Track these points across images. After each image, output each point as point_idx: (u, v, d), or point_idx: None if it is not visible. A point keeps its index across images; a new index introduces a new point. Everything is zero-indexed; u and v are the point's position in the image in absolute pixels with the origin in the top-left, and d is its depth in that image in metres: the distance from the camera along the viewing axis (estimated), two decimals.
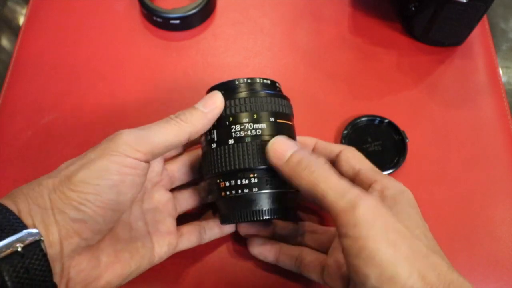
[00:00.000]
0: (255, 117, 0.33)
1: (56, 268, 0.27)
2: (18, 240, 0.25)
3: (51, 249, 0.27)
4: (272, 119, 0.33)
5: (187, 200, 0.39)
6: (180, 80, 0.49)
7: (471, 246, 0.41)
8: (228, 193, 0.33)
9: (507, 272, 0.40)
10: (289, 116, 0.35)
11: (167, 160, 0.39)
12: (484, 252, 0.41)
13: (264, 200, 0.33)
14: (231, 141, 0.33)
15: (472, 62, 0.50)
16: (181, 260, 0.39)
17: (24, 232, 0.26)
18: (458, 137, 0.46)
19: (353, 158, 0.35)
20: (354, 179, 0.34)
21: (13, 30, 0.59)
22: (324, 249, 0.36)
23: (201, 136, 0.35)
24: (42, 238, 0.26)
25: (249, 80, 0.34)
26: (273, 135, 0.33)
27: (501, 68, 0.54)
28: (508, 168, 0.45)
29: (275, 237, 0.39)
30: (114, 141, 0.29)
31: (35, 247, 0.26)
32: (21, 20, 0.59)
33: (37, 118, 0.46)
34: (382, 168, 0.44)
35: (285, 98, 0.36)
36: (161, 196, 0.37)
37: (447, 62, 0.50)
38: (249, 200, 0.33)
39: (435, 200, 0.43)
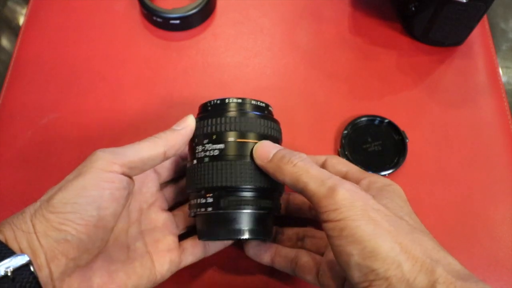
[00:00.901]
0: (237, 135, 0.33)
1: None
2: (6, 265, 0.26)
3: (41, 273, 0.27)
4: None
5: (186, 219, 0.38)
6: (180, 80, 0.49)
7: (471, 246, 0.41)
8: (209, 209, 0.33)
9: (507, 272, 0.40)
10: (278, 139, 0.36)
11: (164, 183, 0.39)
12: (484, 252, 0.41)
13: (243, 220, 0.33)
14: (206, 160, 0.33)
15: (472, 62, 0.50)
16: None
17: (12, 257, 0.26)
18: (458, 137, 0.46)
19: (339, 164, 0.36)
20: None
21: (13, 30, 0.59)
22: (321, 253, 0.37)
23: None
24: (30, 260, 0.26)
25: (239, 101, 0.35)
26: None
27: (501, 68, 0.54)
28: (508, 168, 0.45)
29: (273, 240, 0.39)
30: (89, 159, 0.30)
31: (25, 271, 0.26)
32: (21, 20, 0.59)
33: (37, 118, 0.46)
34: (382, 168, 0.44)
35: (275, 121, 0.36)
36: (158, 216, 0.37)
37: (447, 62, 0.50)
38: (228, 219, 0.33)
39: (435, 200, 0.43)
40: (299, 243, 0.38)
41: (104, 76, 0.49)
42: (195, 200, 0.34)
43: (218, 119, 0.34)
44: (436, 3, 0.45)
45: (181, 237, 0.38)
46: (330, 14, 0.53)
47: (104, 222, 0.29)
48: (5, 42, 0.58)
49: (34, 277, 0.26)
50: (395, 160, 0.44)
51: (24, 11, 0.59)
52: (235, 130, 0.33)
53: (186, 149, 0.36)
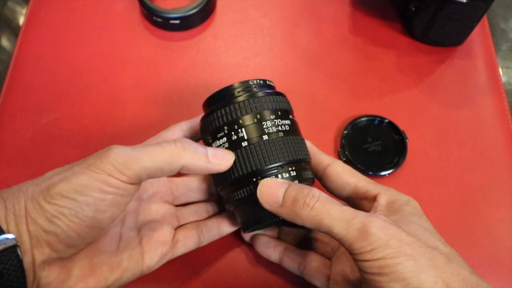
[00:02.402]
0: (258, 117, 0.32)
1: (29, 277, 0.27)
2: None
3: (25, 257, 0.26)
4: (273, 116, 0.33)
5: (192, 215, 0.38)
6: (180, 80, 0.49)
7: (471, 246, 0.41)
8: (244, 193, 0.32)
9: (507, 272, 0.40)
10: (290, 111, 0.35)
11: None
12: (484, 252, 0.41)
13: None
14: (244, 143, 0.32)
15: (472, 62, 0.50)
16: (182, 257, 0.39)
17: (1, 236, 0.25)
18: (458, 137, 0.46)
19: (343, 173, 0.34)
20: (353, 194, 0.34)
21: (13, 30, 0.59)
22: (329, 255, 0.36)
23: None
24: (18, 244, 0.26)
25: (243, 83, 0.34)
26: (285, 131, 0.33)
27: (501, 68, 0.54)
28: (508, 168, 0.45)
29: (281, 238, 0.39)
30: (101, 159, 0.28)
31: (11, 253, 0.25)
32: (21, 20, 0.59)
33: (37, 118, 0.46)
34: (382, 168, 0.44)
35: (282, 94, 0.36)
36: (159, 208, 0.36)
37: (447, 62, 0.50)
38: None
39: (435, 200, 0.43)
40: (307, 244, 0.38)
41: (104, 76, 0.49)
42: (234, 193, 0.33)
43: (228, 107, 0.33)
44: (436, 3, 0.45)
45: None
46: (330, 14, 0.53)
47: (99, 224, 0.29)
48: (5, 42, 0.58)
49: (19, 260, 0.26)
50: (395, 160, 0.44)
51: (24, 11, 0.59)
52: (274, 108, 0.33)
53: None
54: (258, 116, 0.32)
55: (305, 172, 0.33)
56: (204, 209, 0.38)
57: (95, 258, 0.31)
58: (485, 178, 0.44)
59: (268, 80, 0.35)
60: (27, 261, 0.27)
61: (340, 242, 0.28)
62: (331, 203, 0.29)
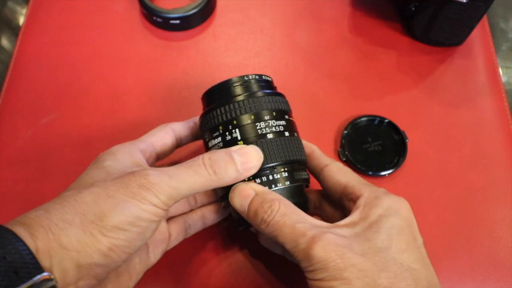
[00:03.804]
0: (253, 118, 0.33)
1: None
2: (31, 287, 0.24)
3: None
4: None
5: (176, 205, 0.38)
6: (180, 80, 0.49)
7: (471, 246, 0.41)
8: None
9: (507, 272, 0.40)
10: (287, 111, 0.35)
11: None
12: (484, 252, 0.41)
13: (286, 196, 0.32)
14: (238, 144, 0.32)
15: (472, 62, 0.50)
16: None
17: (39, 277, 0.24)
18: (458, 137, 0.46)
19: (338, 172, 0.34)
20: (342, 195, 0.34)
21: (13, 30, 0.59)
22: None
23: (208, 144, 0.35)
24: (56, 284, 0.24)
25: (245, 79, 0.34)
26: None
27: (501, 68, 0.54)
28: (508, 168, 0.45)
29: None
30: (145, 189, 0.28)
31: None
32: (21, 20, 0.59)
33: (37, 118, 0.46)
34: (382, 168, 0.44)
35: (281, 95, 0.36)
36: None
37: (447, 62, 0.50)
38: None
39: (435, 200, 0.43)
40: None
41: (104, 76, 0.49)
42: (229, 191, 0.33)
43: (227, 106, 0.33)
44: (436, 3, 0.45)
45: None
46: (330, 14, 0.53)
47: (137, 248, 0.29)
48: (5, 42, 0.58)
49: None
50: (395, 160, 0.44)
51: (24, 11, 0.59)
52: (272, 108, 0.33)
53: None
54: (253, 117, 0.33)
55: (298, 173, 0.33)
56: (186, 200, 0.39)
57: (119, 268, 0.31)
58: (485, 178, 0.44)
59: (265, 75, 0.35)
60: None
61: (293, 257, 0.29)
62: (286, 219, 0.29)
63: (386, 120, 0.46)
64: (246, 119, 0.32)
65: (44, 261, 0.24)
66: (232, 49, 0.51)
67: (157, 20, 0.50)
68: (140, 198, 0.28)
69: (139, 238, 0.28)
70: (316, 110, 0.47)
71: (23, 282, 0.23)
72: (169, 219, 0.37)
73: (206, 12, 0.51)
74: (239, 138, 0.32)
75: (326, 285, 0.27)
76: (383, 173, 0.43)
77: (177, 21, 0.50)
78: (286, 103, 0.35)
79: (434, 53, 0.50)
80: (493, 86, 0.49)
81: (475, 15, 0.46)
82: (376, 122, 0.46)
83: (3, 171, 0.44)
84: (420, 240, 0.30)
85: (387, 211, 0.30)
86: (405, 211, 0.30)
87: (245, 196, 0.31)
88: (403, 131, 0.45)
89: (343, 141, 0.45)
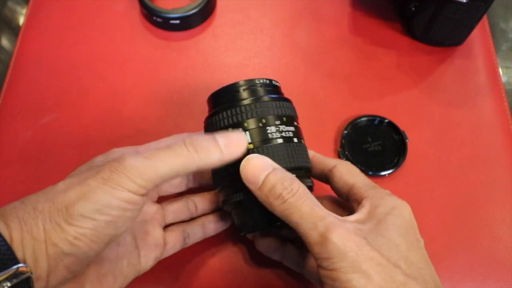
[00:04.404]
0: (264, 121, 0.32)
1: None
2: (7, 278, 0.24)
3: (38, 283, 0.25)
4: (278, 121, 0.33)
5: (175, 213, 0.38)
6: (180, 80, 0.49)
7: (471, 246, 0.41)
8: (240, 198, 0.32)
9: (507, 272, 0.40)
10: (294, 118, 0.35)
11: None
12: (484, 252, 0.41)
13: None
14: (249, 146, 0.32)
15: (472, 62, 0.50)
16: (183, 257, 0.39)
17: (15, 268, 0.24)
18: (458, 137, 0.46)
19: (347, 173, 0.34)
20: (349, 196, 0.33)
21: (13, 30, 0.59)
22: None
23: None
24: (32, 275, 0.25)
25: (251, 84, 0.34)
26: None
27: (501, 68, 0.54)
28: (508, 168, 0.45)
29: (283, 235, 0.39)
30: (117, 172, 0.27)
31: (24, 285, 0.24)
32: (21, 20, 0.59)
33: (37, 118, 0.46)
34: (382, 168, 0.44)
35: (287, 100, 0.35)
36: (149, 208, 0.36)
37: (447, 62, 0.50)
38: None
39: (435, 200, 0.43)
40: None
41: (104, 76, 0.49)
42: (233, 194, 0.33)
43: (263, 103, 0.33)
44: (436, 3, 0.45)
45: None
46: (330, 14, 0.53)
47: (114, 239, 0.28)
48: (5, 42, 0.58)
49: None
50: (395, 160, 0.44)
51: (24, 11, 0.59)
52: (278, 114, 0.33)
53: None
54: (264, 121, 0.32)
55: (304, 180, 0.33)
56: (186, 207, 0.38)
57: (102, 269, 0.31)
58: (485, 178, 0.44)
59: (274, 80, 0.35)
60: (39, 286, 0.25)
61: (303, 240, 0.28)
62: (306, 200, 0.28)
63: (386, 120, 0.46)
64: (256, 122, 0.32)
65: (18, 252, 0.25)
66: (232, 49, 0.51)
67: (157, 20, 0.50)
68: (112, 184, 0.26)
69: (109, 227, 0.27)
70: (316, 110, 0.47)
71: None
72: (166, 226, 0.37)
73: (206, 12, 0.51)
74: (249, 140, 0.32)
75: (343, 278, 0.25)
76: (383, 173, 0.43)
77: (177, 21, 0.50)
78: (294, 109, 0.35)
79: (434, 53, 0.50)
80: (493, 86, 0.49)
81: (475, 15, 0.46)
82: (376, 122, 0.46)
83: (3, 171, 0.44)
84: (422, 241, 0.30)
85: (392, 211, 0.30)
86: (407, 213, 0.30)
87: (261, 168, 0.29)
88: (403, 131, 0.45)
89: (343, 141, 0.45)
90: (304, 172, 0.33)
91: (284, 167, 0.31)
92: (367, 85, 0.49)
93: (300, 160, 0.33)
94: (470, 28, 0.48)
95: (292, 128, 0.33)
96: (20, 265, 0.24)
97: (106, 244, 0.27)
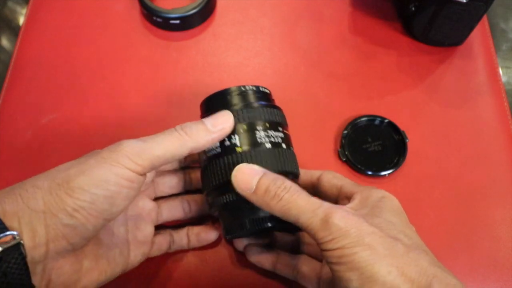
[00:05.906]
0: (253, 126, 0.33)
1: (37, 269, 0.27)
2: None
3: (35, 251, 0.27)
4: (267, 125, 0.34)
5: (170, 211, 0.39)
6: (180, 80, 0.49)
7: (471, 246, 0.41)
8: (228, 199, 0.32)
9: (507, 272, 0.40)
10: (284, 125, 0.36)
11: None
12: (484, 252, 0.41)
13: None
14: (236, 150, 0.32)
15: (472, 62, 0.50)
16: (175, 263, 0.39)
17: (3, 234, 0.26)
18: (458, 137, 0.46)
19: (334, 178, 0.36)
20: (338, 196, 0.35)
21: (13, 30, 0.59)
22: (319, 259, 0.37)
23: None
24: (22, 241, 0.26)
25: (242, 89, 0.34)
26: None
27: (501, 68, 0.54)
28: (508, 168, 0.45)
29: (274, 245, 0.39)
30: (116, 152, 0.29)
31: (14, 251, 0.26)
32: (21, 20, 0.59)
33: (37, 118, 0.46)
34: (382, 168, 0.44)
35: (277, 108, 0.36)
36: (145, 204, 0.37)
37: (447, 62, 0.50)
38: (253, 207, 0.32)
39: (435, 200, 0.43)
40: (299, 248, 0.38)
41: (104, 76, 0.49)
42: (219, 197, 0.33)
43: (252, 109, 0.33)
44: (436, 3, 0.45)
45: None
46: (330, 14, 0.53)
47: (112, 216, 0.30)
48: (5, 42, 0.58)
49: (22, 258, 0.26)
50: (395, 160, 0.44)
51: (24, 11, 0.59)
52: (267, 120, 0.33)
53: None
54: (253, 126, 0.33)
55: None
56: (181, 206, 0.39)
57: (99, 250, 0.32)
58: (485, 178, 0.44)
59: (262, 87, 0.36)
60: (38, 254, 0.27)
61: (306, 231, 0.29)
62: (300, 194, 0.30)
63: (386, 120, 0.46)
64: (246, 127, 0.33)
65: (12, 222, 0.26)
66: (232, 49, 0.51)
67: (157, 20, 0.50)
68: (111, 161, 0.29)
69: (106, 202, 0.28)
70: (316, 110, 0.47)
71: None
72: (158, 228, 0.38)
73: (206, 12, 0.51)
74: (238, 144, 0.32)
75: (348, 252, 0.27)
76: (383, 173, 0.43)
77: (177, 21, 0.50)
78: (283, 117, 0.36)
79: (434, 53, 0.50)
80: (493, 86, 0.49)
81: (475, 15, 0.46)
82: (376, 122, 0.46)
83: (3, 171, 0.44)
84: (413, 227, 0.31)
85: (382, 199, 0.31)
86: (396, 202, 0.32)
87: (252, 174, 0.31)
88: (403, 131, 0.45)
89: (343, 141, 0.45)
90: (292, 177, 0.34)
91: (272, 171, 0.32)
92: (367, 85, 0.49)
93: (288, 165, 0.33)
94: (470, 28, 0.48)
95: (281, 135, 0.34)
96: (8, 233, 0.26)
97: (103, 220, 0.29)
